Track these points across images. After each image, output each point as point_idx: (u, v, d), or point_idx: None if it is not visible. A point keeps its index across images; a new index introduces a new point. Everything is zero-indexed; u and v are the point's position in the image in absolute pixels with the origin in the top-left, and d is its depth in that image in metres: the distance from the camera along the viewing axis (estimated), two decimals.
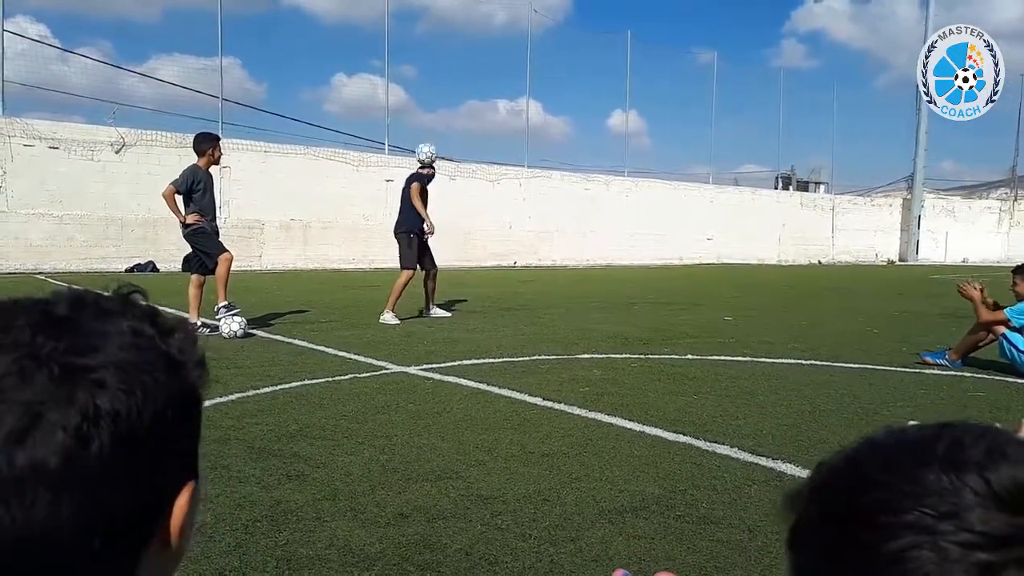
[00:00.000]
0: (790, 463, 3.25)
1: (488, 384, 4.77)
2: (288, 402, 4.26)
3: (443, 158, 25.31)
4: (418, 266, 8.39)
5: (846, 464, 0.51)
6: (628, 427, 3.80)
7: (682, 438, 3.62)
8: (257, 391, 4.53)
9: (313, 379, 4.91)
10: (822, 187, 47.03)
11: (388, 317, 7.92)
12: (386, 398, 4.41)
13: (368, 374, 5.14)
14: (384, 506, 2.68)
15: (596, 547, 2.36)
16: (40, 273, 15.61)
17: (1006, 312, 5.55)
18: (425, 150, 8.56)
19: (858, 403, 4.51)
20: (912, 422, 0.52)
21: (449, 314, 8.54)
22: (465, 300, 10.37)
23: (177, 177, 6.94)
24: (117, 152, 18.03)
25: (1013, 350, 5.48)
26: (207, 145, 7.04)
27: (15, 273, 15.57)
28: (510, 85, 52.31)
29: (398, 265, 8.42)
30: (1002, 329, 5.54)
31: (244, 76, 49.85)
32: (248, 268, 19.11)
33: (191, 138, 20.37)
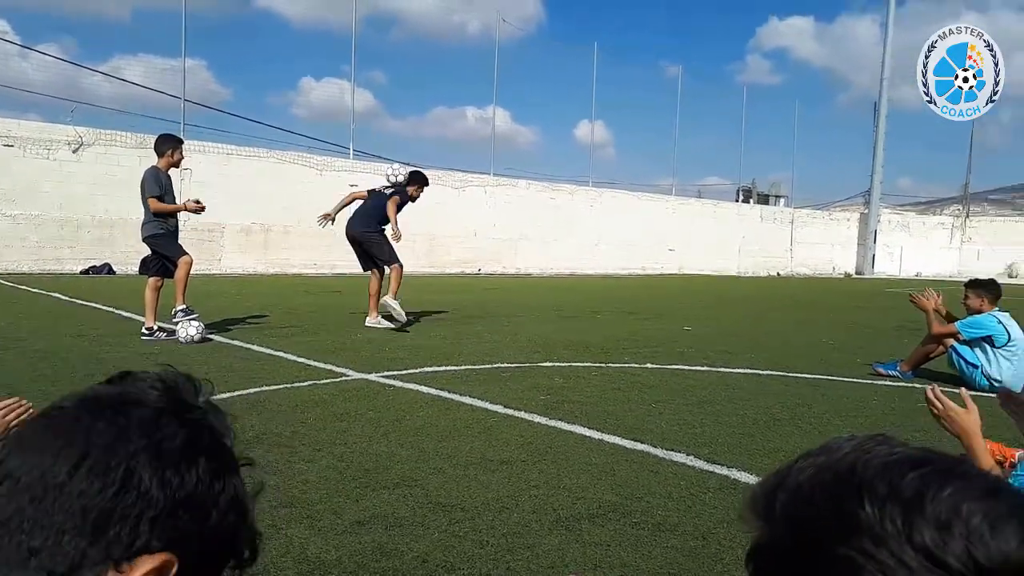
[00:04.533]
0: (744, 471, 3.31)
1: (449, 392, 4.77)
2: (245, 409, 4.21)
3: (408, 164, 25.26)
4: (374, 269, 8.41)
5: (808, 492, 0.54)
6: (587, 435, 3.84)
7: (640, 446, 3.66)
8: (213, 397, 4.46)
9: (271, 385, 4.86)
10: (782, 200, 47.80)
11: (392, 303, 8.01)
12: (346, 405, 4.38)
13: (327, 380, 5.10)
14: (341, 514, 2.67)
15: (552, 554, 2.38)
16: None
17: (957, 325, 5.71)
18: (402, 171, 8.69)
19: (812, 412, 4.61)
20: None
21: (392, 325, 8.16)
22: (429, 307, 10.34)
23: (148, 185, 6.82)
24: (75, 152, 17.66)
25: (961, 362, 5.64)
26: (167, 147, 6.94)
27: None
28: (479, 93, 52.36)
29: (372, 268, 8.46)
30: (951, 341, 5.70)
31: (209, 78, 49.25)
32: (207, 272, 18.82)
33: (152, 139, 19.93)
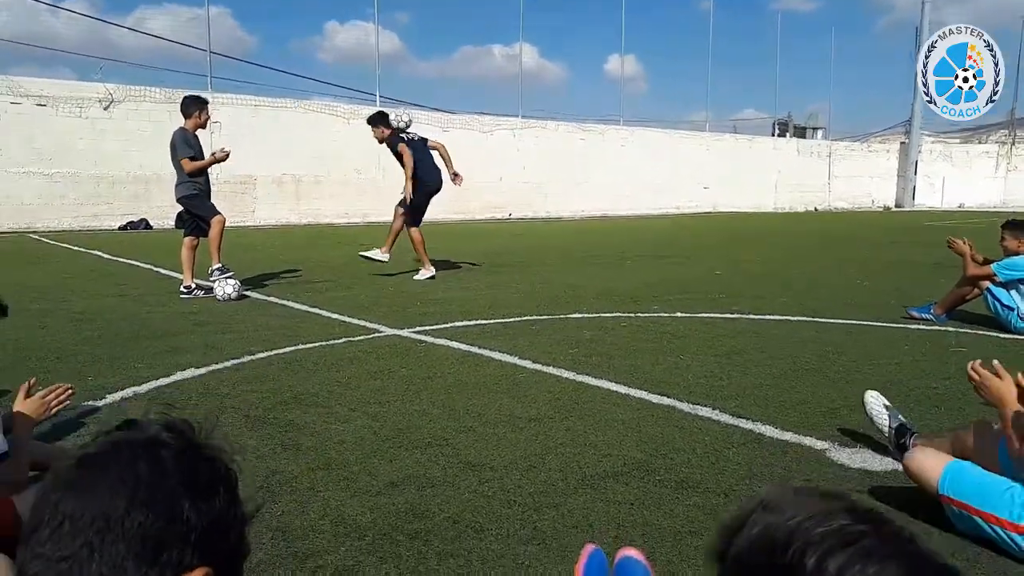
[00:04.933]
0: (769, 424, 3.35)
1: (479, 347, 4.86)
2: (283, 368, 4.35)
3: (437, 110, 25.09)
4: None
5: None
6: (614, 389, 3.90)
7: (666, 400, 3.71)
8: (252, 356, 4.61)
9: (308, 343, 4.99)
10: (820, 132, 46.65)
11: (424, 274, 8.23)
12: (379, 363, 4.49)
13: (361, 337, 5.22)
14: (376, 475, 2.78)
15: (577, 514, 2.46)
16: (33, 232, 15.59)
17: (993, 267, 5.63)
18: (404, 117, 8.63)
19: (841, 360, 4.61)
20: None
21: (386, 259, 8.58)
22: (459, 256, 10.41)
23: (179, 147, 6.90)
24: (106, 108, 17.83)
25: (997, 304, 5.57)
26: (194, 108, 6.99)
27: (10, 232, 15.55)
28: (505, 30, 51.30)
29: (391, 219, 8.59)
30: (987, 284, 5.62)
31: (235, 27, 48.98)
32: (241, 224, 19.08)
33: (180, 93, 20.16)
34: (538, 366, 4.37)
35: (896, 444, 2.92)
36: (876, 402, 3.04)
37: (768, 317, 6.10)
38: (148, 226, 17.16)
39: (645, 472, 2.81)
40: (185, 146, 6.88)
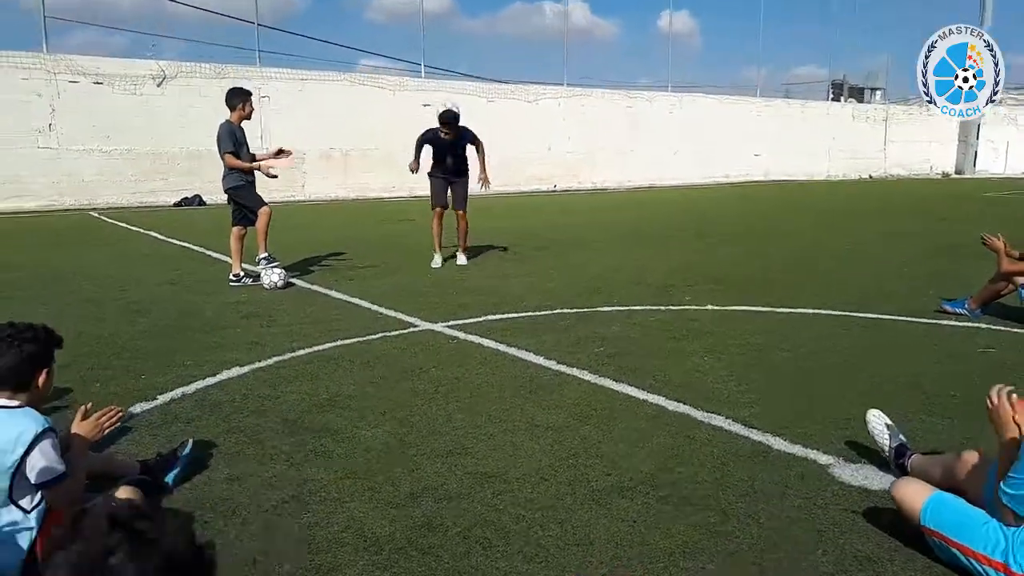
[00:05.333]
0: (778, 436, 3.47)
1: (508, 344, 5.04)
2: (321, 366, 4.60)
3: (482, 78, 25.07)
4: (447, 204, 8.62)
5: None
6: (632, 395, 4.05)
7: (681, 407, 3.85)
8: (293, 354, 4.87)
9: (346, 339, 5.23)
10: (879, 93, 45.15)
11: (434, 261, 8.43)
12: (412, 360, 4.71)
13: (397, 332, 5.44)
14: (398, 485, 3.00)
15: (580, 530, 2.64)
16: (93, 209, 16.22)
17: None
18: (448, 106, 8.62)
19: (865, 361, 4.67)
20: None
21: (464, 262, 8.66)
22: (498, 238, 10.55)
23: (224, 141, 7.15)
24: (159, 85, 18.31)
25: None
26: (238, 100, 7.23)
27: (71, 210, 16.21)
28: None
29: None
30: (1022, 280, 5.58)
31: None
32: (291, 199, 19.51)
33: (229, 68, 20.30)
34: (562, 367, 4.54)
35: (896, 463, 3.02)
36: (878, 422, 3.14)
37: (798, 310, 6.14)
38: (202, 202, 17.68)
39: (650, 487, 2.97)
40: (228, 141, 7.14)
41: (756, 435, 3.50)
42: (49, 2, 17.54)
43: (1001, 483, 2.22)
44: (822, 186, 26.38)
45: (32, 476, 2.25)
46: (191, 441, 3.13)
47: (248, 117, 7.40)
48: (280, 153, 7.34)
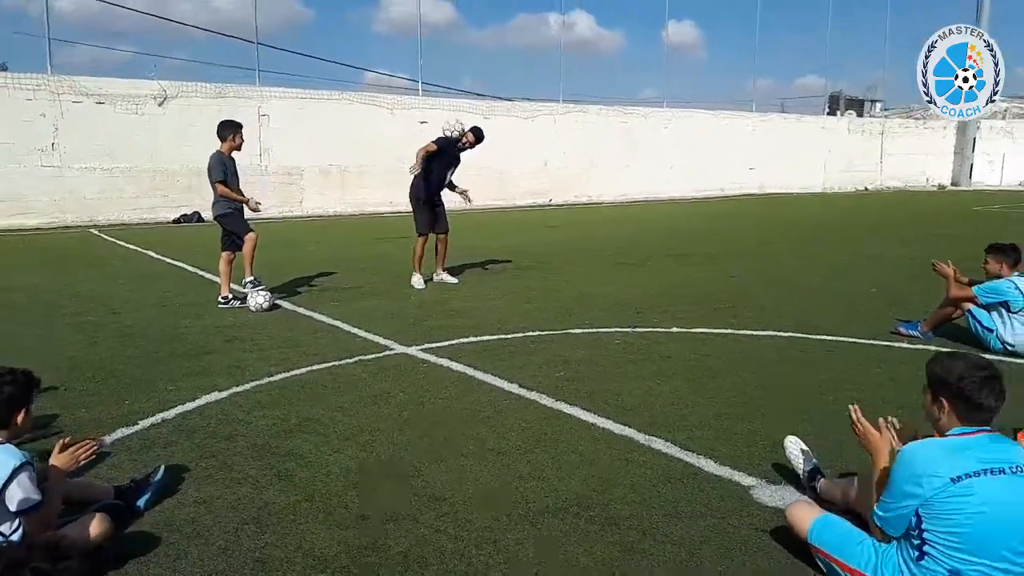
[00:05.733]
0: (711, 459, 3.73)
1: (475, 368, 5.31)
2: (296, 391, 4.87)
3: (479, 95, 25.43)
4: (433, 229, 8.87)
5: None
6: (583, 418, 4.32)
7: (627, 431, 4.11)
8: (271, 378, 5.15)
9: (323, 363, 5.51)
10: (878, 104, 45.37)
11: (415, 280, 8.64)
12: (382, 386, 4.98)
13: (372, 356, 5.72)
14: (350, 507, 3.27)
15: (510, 550, 2.91)
16: (95, 226, 16.56)
17: (974, 290, 5.83)
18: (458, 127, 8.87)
19: (811, 384, 4.93)
20: None
21: (456, 280, 8.95)
22: (486, 255, 10.82)
23: (215, 171, 7.47)
24: (160, 105, 18.67)
25: (978, 325, 5.78)
26: (228, 132, 7.55)
27: (72, 227, 16.55)
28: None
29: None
30: (969, 305, 5.84)
31: (291, 1, 49.91)
32: (290, 214, 19.85)
33: (229, 88, 20.65)
34: (523, 391, 4.81)
35: (809, 486, 3.29)
36: (794, 447, 3.41)
37: (761, 333, 6.40)
38: (200, 218, 17.99)
39: (581, 508, 3.23)
40: (219, 170, 7.45)
41: (690, 457, 3.76)
42: (56, 14, 17.95)
43: (875, 506, 2.48)
44: (815, 199, 26.64)
45: (11, 505, 2.53)
46: (163, 467, 3.41)
47: (238, 148, 7.71)
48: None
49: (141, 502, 3.20)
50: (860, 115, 39.65)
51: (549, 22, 26.24)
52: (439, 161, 8.77)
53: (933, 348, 5.90)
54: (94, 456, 3.01)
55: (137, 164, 18.29)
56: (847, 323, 6.72)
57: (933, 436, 2.50)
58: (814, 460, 3.36)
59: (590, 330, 6.52)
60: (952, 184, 36.04)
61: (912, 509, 2.32)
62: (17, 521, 2.58)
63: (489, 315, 7.15)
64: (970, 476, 2.27)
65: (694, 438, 4.01)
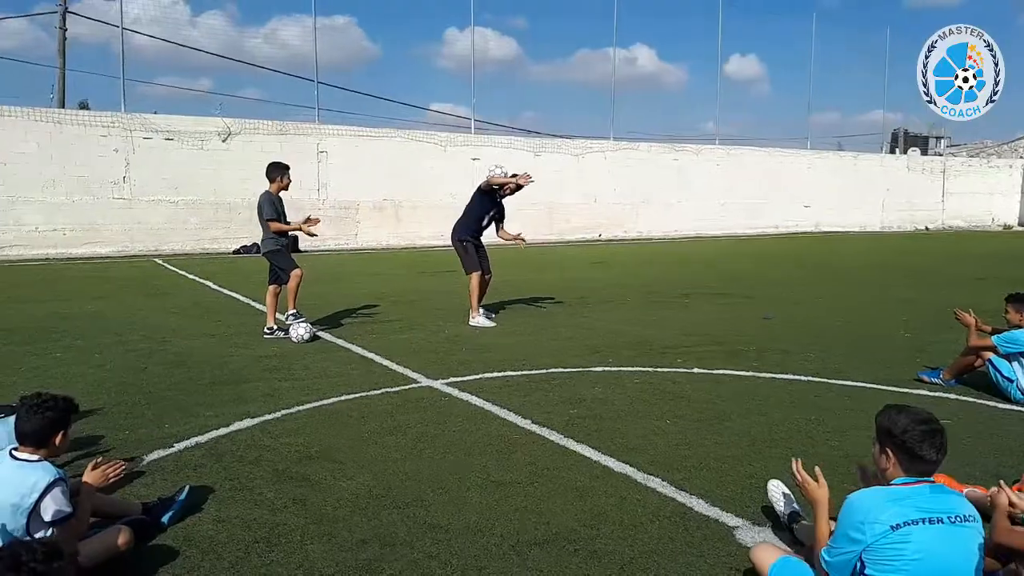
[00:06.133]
0: (703, 499, 3.88)
1: (493, 403, 5.54)
2: (322, 420, 5.18)
3: (530, 132, 25.93)
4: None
5: None
6: (586, 455, 4.50)
7: (626, 469, 4.28)
8: (301, 407, 5.47)
9: (351, 394, 5.82)
10: (943, 141, 44.44)
11: (479, 320, 8.82)
12: (402, 418, 5.25)
13: (398, 388, 6.01)
14: (354, 531, 3.52)
15: None
16: (159, 256, 17.43)
17: (994, 339, 5.83)
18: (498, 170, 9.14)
19: (818, 429, 5.01)
20: None
21: (491, 323, 8.90)
22: (526, 291, 11.08)
23: (265, 209, 7.94)
24: (224, 140, 19.64)
25: (998, 375, 5.77)
26: (276, 174, 8.04)
27: (139, 256, 17.46)
28: (622, 34, 51.38)
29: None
30: (989, 355, 5.83)
31: (361, 35, 51.87)
32: (345, 246, 20.51)
33: (289, 125, 21.65)
34: (534, 427, 5.02)
35: (788, 528, 3.41)
36: (776, 490, 3.54)
37: (780, 376, 6.48)
38: (259, 249, 18.76)
39: (568, 542, 3.42)
40: (270, 209, 7.93)
41: (682, 497, 3.91)
42: (137, 48, 19.10)
43: (822, 551, 2.62)
44: (870, 239, 26.23)
45: (46, 516, 2.86)
46: (188, 487, 3.73)
47: (285, 188, 8.18)
48: (308, 221, 8.06)
49: (165, 518, 3.52)
50: (924, 152, 38.95)
51: (609, 56, 26.65)
52: (480, 204, 9.09)
53: (953, 396, 5.91)
54: (122, 475, 3.34)
55: (201, 197, 19.22)
56: (871, 368, 6.74)
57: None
58: (795, 504, 3.48)
59: (612, 368, 6.69)
60: (1019, 224, 35.00)
61: (856, 554, 2.46)
62: (51, 530, 2.91)
63: (516, 351, 7.39)
64: (909, 524, 2.40)
65: (690, 478, 4.15)
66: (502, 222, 9.27)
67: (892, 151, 36.35)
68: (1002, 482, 2.74)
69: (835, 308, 10.39)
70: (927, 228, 33.00)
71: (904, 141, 39.31)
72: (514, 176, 8.98)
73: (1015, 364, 5.71)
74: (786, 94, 57.50)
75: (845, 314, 9.83)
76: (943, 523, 2.41)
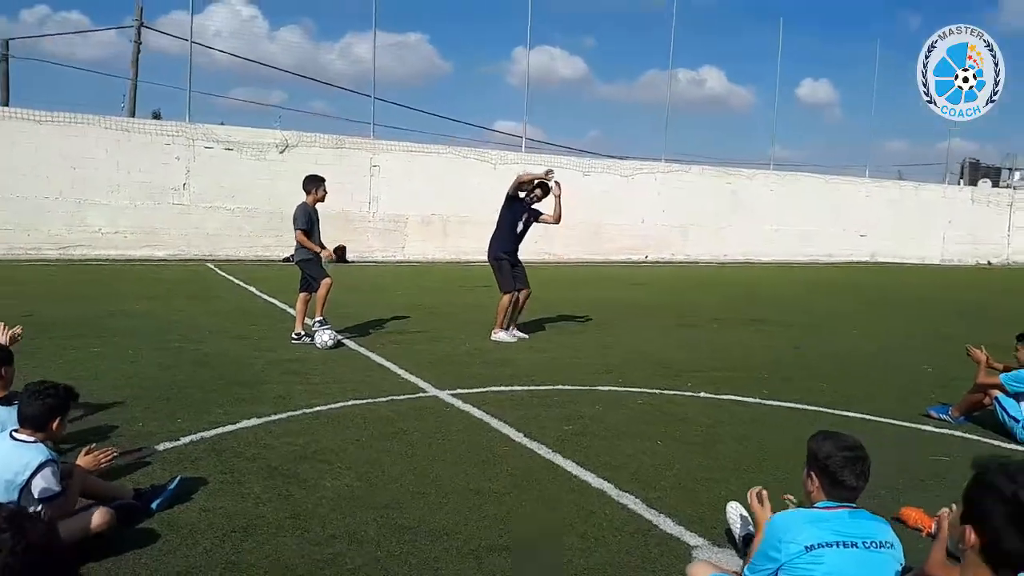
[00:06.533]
0: (671, 517, 3.96)
1: (492, 415, 5.70)
2: (323, 423, 5.41)
3: (581, 151, 26.08)
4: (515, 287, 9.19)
5: None
6: (568, 470, 4.61)
7: (604, 485, 4.39)
8: (309, 410, 5.72)
9: (359, 399, 6.05)
10: (1017, 174, 43.02)
11: (500, 335, 8.94)
12: (402, 424, 5.45)
13: (405, 397, 6.21)
14: (327, 527, 3.71)
15: None
16: (212, 260, 18.09)
17: (1001, 377, 5.74)
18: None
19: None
20: None
21: (512, 339, 8.98)
22: (562, 310, 11.20)
23: (299, 220, 8.30)
24: (281, 152, 20.29)
25: (1004, 414, 5.68)
26: (312, 186, 8.39)
27: (193, 260, 18.16)
28: (688, 53, 51.33)
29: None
30: (996, 392, 5.74)
31: (433, 53, 53.10)
32: (392, 258, 20.95)
33: (344, 140, 22.15)
34: (526, 440, 5.15)
35: (744, 550, 3.47)
36: (734, 512, 3.61)
37: (787, 404, 6.48)
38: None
39: (526, 550, 3.55)
40: (303, 220, 8.28)
41: (651, 515, 4.00)
42: (212, 59, 20.00)
43: (745, 567, 2.70)
44: (927, 272, 25.55)
45: (35, 493, 3.13)
46: (180, 477, 3.98)
47: (321, 200, 8.53)
48: (325, 251, 8.35)
49: (154, 504, 3.77)
50: (996, 184, 37.80)
51: (679, 78, 26.72)
52: (511, 211, 9.26)
53: (959, 434, 5.83)
54: (112, 460, 3.61)
55: (257, 206, 19.88)
56: (882, 401, 6.68)
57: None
58: (750, 527, 3.54)
59: (619, 388, 6.78)
60: None
61: (772, 571, 2.54)
62: (41, 507, 3.17)
63: (529, 367, 7.53)
64: (823, 546, 2.47)
65: (663, 497, 4.23)
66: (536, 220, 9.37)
67: (959, 181, 35.27)
68: (954, 505, 2.62)
69: (867, 339, 10.22)
70: (990, 263, 31.91)
71: (970, 171, 38.11)
72: (548, 172, 9.19)
73: (1023, 403, 5.61)
74: (856, 120, 56.60)
75: (876, 345, 9.68)
76: (857, 547, 2.48)
